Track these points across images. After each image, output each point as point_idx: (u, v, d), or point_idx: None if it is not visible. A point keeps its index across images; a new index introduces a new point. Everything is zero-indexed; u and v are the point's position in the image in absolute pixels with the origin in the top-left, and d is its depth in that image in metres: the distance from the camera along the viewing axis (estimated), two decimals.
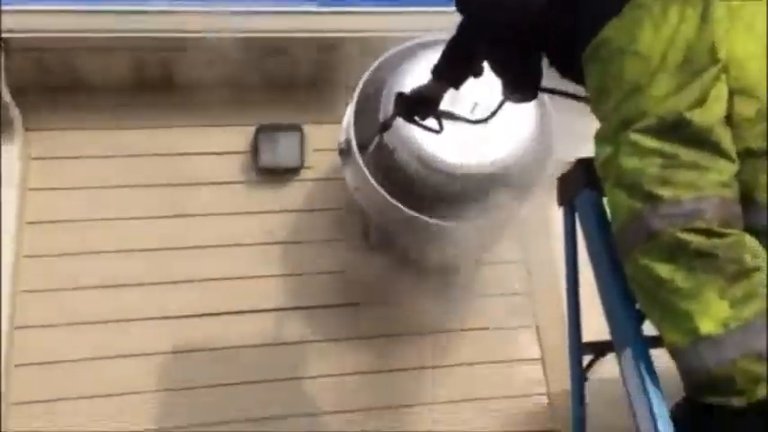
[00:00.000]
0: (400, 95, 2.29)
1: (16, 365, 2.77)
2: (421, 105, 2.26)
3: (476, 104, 2.36)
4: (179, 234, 3.08)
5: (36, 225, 2.98)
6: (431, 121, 2.28)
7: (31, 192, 3.03)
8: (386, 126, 2.49)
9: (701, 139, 1.40)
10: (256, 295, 3.04)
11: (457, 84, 2.17)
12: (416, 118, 2.29)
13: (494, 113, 2.20)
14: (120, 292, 2.96)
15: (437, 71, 2.15)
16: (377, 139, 2.61)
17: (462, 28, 1.99)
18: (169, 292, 2.99)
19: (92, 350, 2.86)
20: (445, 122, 2.53)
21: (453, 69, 2.13)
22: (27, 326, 2.85)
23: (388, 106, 2.63)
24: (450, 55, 2.11)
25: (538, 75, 1.85)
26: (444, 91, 2.21)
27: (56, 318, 2.88)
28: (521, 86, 1.91)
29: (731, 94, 1.45)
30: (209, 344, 2.96)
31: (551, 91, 1.99)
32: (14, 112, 2.99)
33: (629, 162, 1.44)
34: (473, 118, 2.37)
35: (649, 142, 1.42)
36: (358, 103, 2.74)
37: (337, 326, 3.04)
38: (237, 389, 2.90)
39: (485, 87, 2.41)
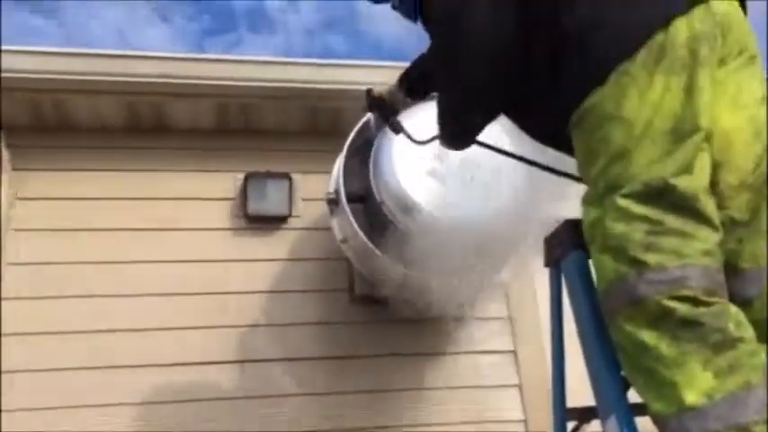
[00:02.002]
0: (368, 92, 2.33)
1: None
2: (383, 107, 2.31)
3: (472, 178, 2.41)
4: (165, 280, 3.04)
5: (18, 266, 2.94)
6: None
7: (15, 233, 2.99)
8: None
9: (685, 206, 1.41)
10: (240, 345, 2.99)
11: (410, 93, 2.25)
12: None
13: (433, 139, 2.14)
14: (101, 337, 2.91)
15: (403, 74, 2.24)
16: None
17: (434, 64, 1.96)
18: (152, 339, 2.93)
19: (69, 398, 2.78)
20: (437, 179, 2.57)
21: (412, 80, 2.22)
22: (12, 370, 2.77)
23: (378, 158, 2.66)
24: (417, 65, 2.20)
25: (475, 134, 1.85)
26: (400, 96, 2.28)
27: (36, 363, 2.81)
28: (454, 139, 1.89)
29: (715, 164, 1.47)
30: (189, 394, 2.89)
31: (487, 146, 2.01)
32: (3, 152, 2.99)
33: (616, 226, 1.44)
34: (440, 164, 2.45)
35: (636, 208, 1.42)
36: (348, 153, 2.75)
37: (319, 379, 2.99)
38: None
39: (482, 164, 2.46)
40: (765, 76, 1.60)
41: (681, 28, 1.44)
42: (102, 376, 2.84)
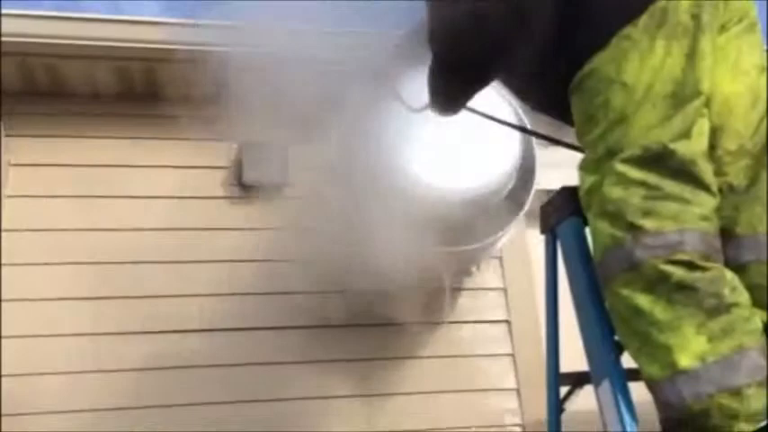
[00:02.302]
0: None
1: None
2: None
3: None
4: (158, 248, 3.03)
5: (12, 233, 2.92)
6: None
7: (7, 199, 2.97)
8: None
9: (684, 171, 1.41)
10: (231, 313, 2.99)
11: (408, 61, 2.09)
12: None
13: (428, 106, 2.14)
14: (95, 304, 2.91)
15: (400, 41, 2.15)
16: None
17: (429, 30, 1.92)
18: (145, 306, 2.94)
19: (68, 363, 2.80)
20: (430, 146, 2.55)
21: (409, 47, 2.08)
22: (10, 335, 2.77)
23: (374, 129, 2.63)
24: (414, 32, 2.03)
25: (465, 101, 1.82)
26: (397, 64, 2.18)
27: (35, 328, 2.82)
28: (444, 106, 1.86)
29: (714, 130, 1.47)
30: (178, 361, 2.90)
31: (478, 113, 1.99)
32: None
33: (614, 191, 1.44)
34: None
35: (634, 172, 1.42)
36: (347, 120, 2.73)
37: (313, 347, 3.00)
38: (210, 408, 2.84)
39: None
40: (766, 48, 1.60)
41: None
42: (100, 342, 2.85)
